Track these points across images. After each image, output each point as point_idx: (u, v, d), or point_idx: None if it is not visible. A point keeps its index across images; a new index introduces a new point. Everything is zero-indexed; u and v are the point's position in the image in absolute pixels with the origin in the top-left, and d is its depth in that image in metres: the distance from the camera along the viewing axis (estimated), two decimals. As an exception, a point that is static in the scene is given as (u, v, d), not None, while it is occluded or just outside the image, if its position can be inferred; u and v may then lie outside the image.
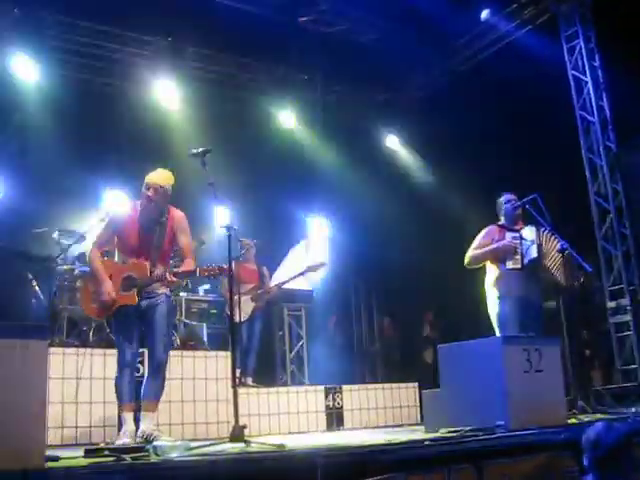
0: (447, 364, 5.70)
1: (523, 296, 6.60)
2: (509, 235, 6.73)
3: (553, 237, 6.67)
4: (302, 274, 9.47)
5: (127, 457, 3.45)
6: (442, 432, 5.24)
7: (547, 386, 5.36)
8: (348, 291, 13.39)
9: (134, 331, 5.50)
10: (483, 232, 6.92)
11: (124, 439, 5.07)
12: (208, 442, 4.72)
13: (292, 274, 9.53)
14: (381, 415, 8.60)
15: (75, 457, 3.72)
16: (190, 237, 5.76)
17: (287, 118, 11.87)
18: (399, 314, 12.76)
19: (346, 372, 11.93)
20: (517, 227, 6.86)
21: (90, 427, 6.34)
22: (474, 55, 11.36)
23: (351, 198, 11.92)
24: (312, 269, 9.51)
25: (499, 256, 6.72)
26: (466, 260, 6.89)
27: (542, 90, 9.64)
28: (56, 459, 3.41)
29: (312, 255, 11.06)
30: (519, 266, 6.61)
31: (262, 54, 11.02)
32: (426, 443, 3.88)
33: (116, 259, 6.02)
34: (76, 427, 6.28)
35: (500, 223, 6.95)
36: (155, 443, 4.05)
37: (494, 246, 6.74)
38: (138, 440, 5.03)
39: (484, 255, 6.78)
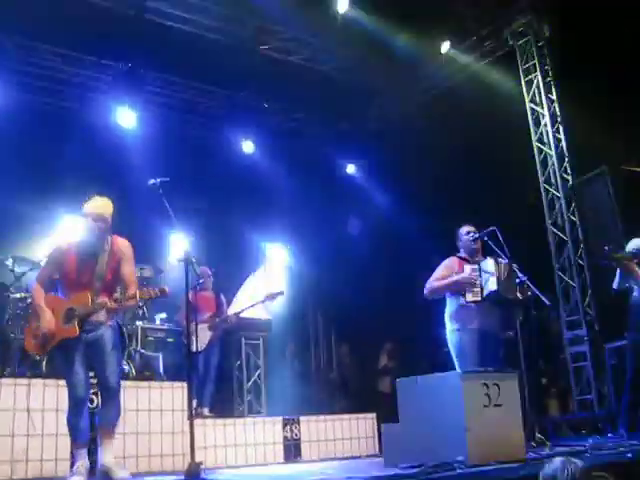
0: (406, 398, 5.65)
1: (482, 329, 6.59)
2: (468, 267, 6.73)
3: (511, 269, 6.67)
4: (261, 302, 9.39)
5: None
6: (402, 467, 5.20)
7: (506, 420, 5.34)
8: (306, 319, 13.33)
9: (80, 364, 5.35)
10: (443, 264, 6.93)
11: (77, 476, 4.94)
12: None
13: (250, 302, 9.44)
14: (339, 446, 8.52)
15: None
16: (134, 266, 5.62)
17: (246, 145, 11.82)
18: (357, 343, 12.71)
19: (304, 401, 11.85)
20: (476, 259, 6.88)
21: (41, 460, 6.17)
22: (435, 86, 11.47)
23: (310, 226, 11.91)
24: (270, 297, 9.43)
25: (458, 288, 6.72)
26: (425, 291, 6.87)
27: (501, 121, 9.77)
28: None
29: (270, 283, 11.00)
30: (478, 299, 6.60)
31: (222, 81, 10.98)
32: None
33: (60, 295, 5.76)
34: (26, 461, 6.09)
35: (460, 255, 6.96)
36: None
37: (453, 279, 6.73)
38: (100, 471, 4.93)
39: (443, 287, 6.78)
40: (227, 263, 10.19)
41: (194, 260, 5.26)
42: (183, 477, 4.46)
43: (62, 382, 6.50)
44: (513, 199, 9.84)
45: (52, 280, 5.54)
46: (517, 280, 6.65)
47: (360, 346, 12.68)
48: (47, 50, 9.88)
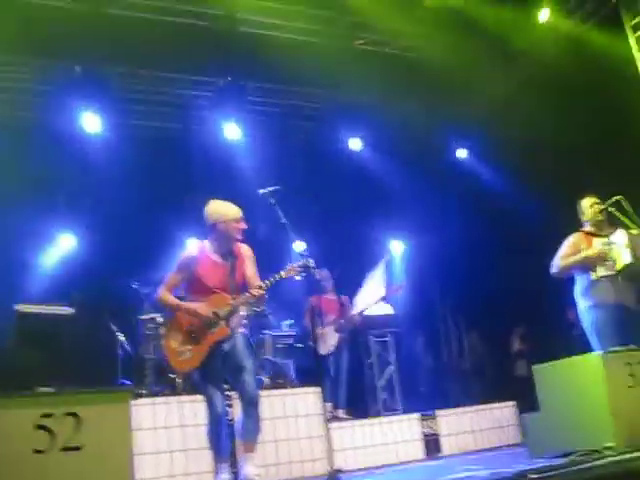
0: (544, 384, 5.45)
1: (618, 304, 6.27)
2: (597, 241, 6.45)
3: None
4: (383, 299, 9.30)
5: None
6: (548, 457, 5.00)
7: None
8: (433, 311, 13.14)
9: (220, 377, 5.41)
10: (569, 240, 6.64)
11: None
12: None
13: (373, 299, 9.37)
14: (479, 438, 8.35)
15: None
16: (256, 268, 5.61)
17: (354, 143, 11.75)
18: (487, 330, 12.43)
19: (440, 394, 11.69)
20: (604, 232, 6.57)
21: (185, 475, 6.32)
22: (535, 61, 11.02)
23: (426, 217, 11.73)
24: (392, 292, 9.35)
25: (589, 264, 6.43)
26: (553, 270, 6.61)
27: (612, 87, 9.32)
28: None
29: (390, 278, 10.89)
30: (612, 272, 6.31)
31: (321, 82, 10.94)
32: (532, 476, 3.65)
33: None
34: (171, 476, 6.26)
35: (586, 230, 6.67)
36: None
37: (582, 255, 6.45)
38: None
39: (572, 265, 6.50)
40: (347, 263, 10.15)
41: (311, 264, 5.19)
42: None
43: (198, 397, 6.72)
44: (635, 168, 9.32)
45: (179, 287, 5.57)
46: None
47: (490, 332, 12.40)
48: (147, 75, 10.10)
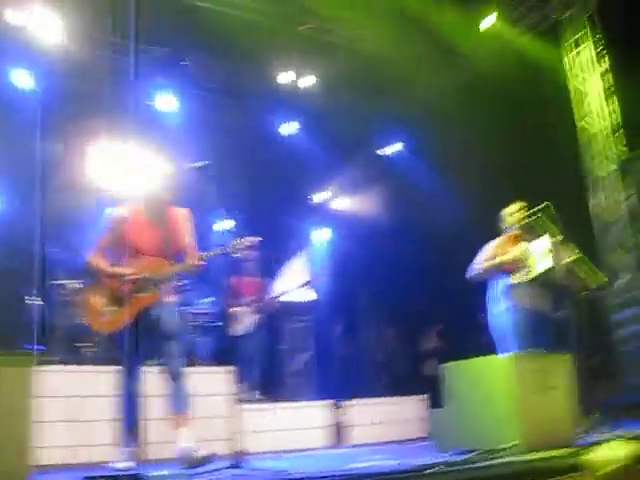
0: (455, 382, 5.53)
1: (533, 308, 6.47)
2: (519, 246, 6.59)
3: (564, 246, 6.50)
4: (302, 286, 9.32)
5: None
6: (453, 452, 5.09)
7: (559, 404, 5.20)
8: (354, 301, 13.23)
9: (142, 346, 5.07)
10: (492, 243, 6.76)
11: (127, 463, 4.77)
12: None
13: (292, 285, 9.38)
14: (389, 430, 8.43)
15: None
16: (194, 237, 5.32)
17: (289, 126, 11.70)
18: (406, 325, 12.58)
19: (352, 384, 11.78)
20: (526, 237, 6.71)
21: (90, 446, 6.21)
22: (476, 64, 11.17)
23: (355, 208, 11.78)
24: (311, 281, 9.37)
25: (509, 268, 6.56)
26: (473, 272, 6.71)
27: (548, 97, 9.52)
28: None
29: (313, 265, 10.92)
30: (530, 277, 6.46)
31: (262, 62, 10.87)
32: (435, 470, 3.71)
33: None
34: (74, 446, 6.14)
35: (510, 234, 6.80)
36: (152, 473, 3.86)
37: (498, 260, 6.59)
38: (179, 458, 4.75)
39: (493, 267, 6.62)
40: (271, 247, 10.10)
41: (255, 243, 5.15)
42: (228, 463, 4.39)
43: (110, 368, 6.60)
44: (562, 178, 9.55)
45: (108, 248, 5.28)
46: (568, 259, 6.46)
47: (406, 328, 12.56)
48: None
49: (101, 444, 6.21)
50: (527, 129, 9.71)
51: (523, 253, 6.53)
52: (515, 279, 6.53)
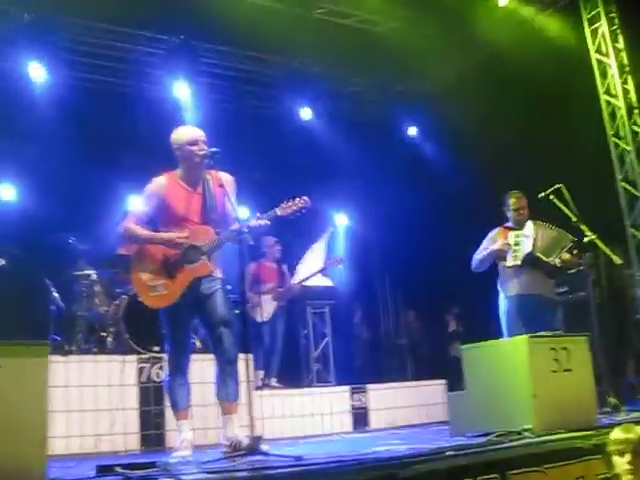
0: (471, 365, 5.48)
1: (527, 293, 6.55)
2: (511, 234, 6.68)
3: (551, 230, 6.61)
4: (321, 270, 9.31)
5: (135, 477, 3.30)
6: (468, 436, 5.07)
7: (576, 386, 5.14)
8: (373, 286, 13.22)
9: (189, 325, 5.02)
10: (488, 236, 6.91)
11: (183, 451, 4.71)
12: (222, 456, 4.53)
13: (312, 270, 9.37)
14: (408, 414, 8.45)
15: (82, 478, 3.58)
16: (236, 203, 4.99)
17: (304, 112, 11.66)
18: (424, 308, 12.55)
19: (374, 368, 11.79)
20: (519, 226, 6.78)
21: (112, 435, 6.26)
22: (493, 41, 11.06)
23: (373, 191, 11.74)
24: (330, 265, 9.36)
25: (500, 256, 6.69)
26: (473, 264, 6.89)
27: (565, 75, 9.40)
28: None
29: (333, 251, 10.88)
30: (518, 263, 6.55)
31: (277, 48, 10.81)
32: (448, 454, 3.69)
33: None
34: (97, 435, 6.18)
35: (507, 225, 6.89)
36: (166, 459, 3.88)
37: (490, 248, 6.74)
38: (226, 448, 4.60)
39: (484, 258, 6.78)
40: (292, 233, 10.09)
41: (247, 230, 4.73)
42: (243, 451, 4.39)
43: (128, 357, 6.66)
44: (581, 156, 9.44)
45: (147, 221, 5.04)
46: (569, 244, 6.51)
47: (428, 311, 12.53)
48: (100, 28, 9.84)
49: (120, 433, 6.28)
50: (549, 106, 9.59)
51: (510, 240, 6.63)
52: (505, 265, 6.65)
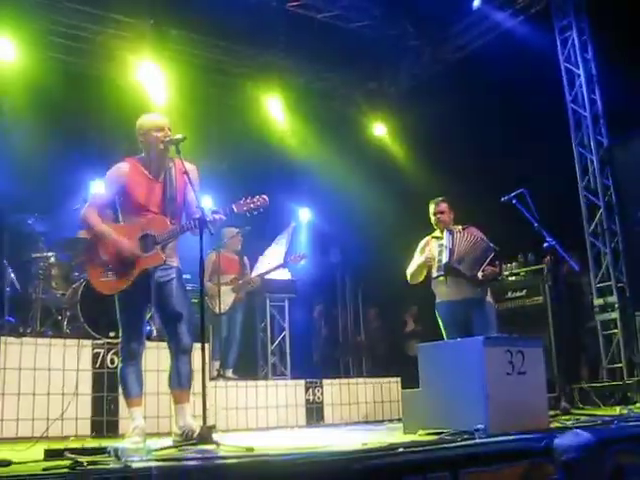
0: (427, 363, 5.54)
1: (454, 300, 6.63)
2: (435, 244, 6.79)
3: (468, 236, 6.65)
4: (283, 266, 9.30)
5: (84, 462, 3.26)
6: (420, 434, 5.11)
7: (530, 389, 5.21)
8: (334, 282, 13.24)
9: (143, 313, 5.02)
10: (418, 246, 7.00)
11: (134, 438, 4.68)
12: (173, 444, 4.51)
13: (274, 264, 9.35)
14: (362, 410, 8.47)
15: (30, 461, 3.53)
16: (198, 194, 4.94)
17: (273, 105, 11.62)
18: (385, 306, 12.61)
19: (330, 364, 11.80)
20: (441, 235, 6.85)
21: (62, 420, 6.17)
22: (465, 45, 11.15)
23: (337, 187, 11.73)
24: (293, 260, 9.34)
25: (428, 266, 6.79)
26: (408, 277, 6.96)
27: (534, 82, 9.48)
28: (7, 464, 3.22)
29: (295, 245, 10.88)
30: (441, 273, 6.65)
31: (249, 39, 10.76)
32: (400, 450, 3.71)
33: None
34: (47, 419, 6.09)
35: (433, 234, 6.96)
36: (116, 445, 3.84)
37: (416, 263, 6.85)
38: (177, 437, 4.67)
39: (414, 272, 6.87)
40: (254, 225, 10.06)
41: (210, 219, 4.74)
42: (195, 440, 4.37)
43: (84, 342, 6.58)
44: (546, 163, 9.54)
45: (108, 206, 5.09)
46: (490, 256, 6.58)
47: (387, 309, 12.58)
48: (70, 8, 9.68)
49: (72, 418, 6.22)
50: (519, 112, 9.66)
51: (433, 251, 6.73)
52: (433, 274, 6.75)
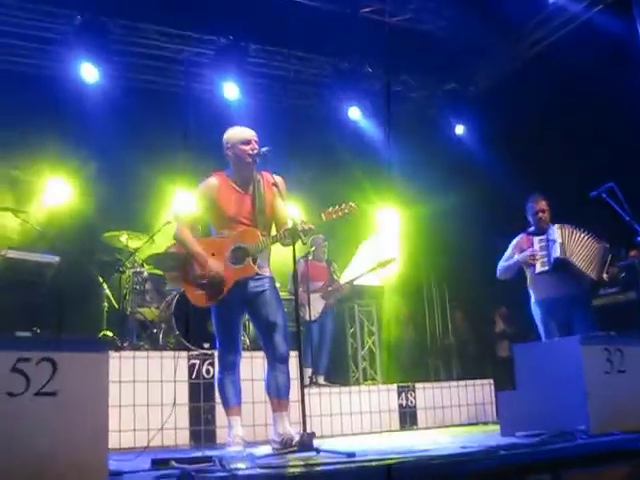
0: (523, 364, 5.46)
1: (557, 297, 6.55)
2: (536, 240, 6.70)
3: (580, 233, 6.57)
4: (372, 270, 9.32)
5: (191, 470, 3.35)
6: (519, 436, 5.05)
7: (631, 387, 5.08)
8: (420, 285, 13.17)
9: (239, 323, 5.11)
10: (512, 243, 6.94)
11: (235, 446, 4.82)
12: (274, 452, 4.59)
13: (362, 270, 9.39)
14: (455, 413, 8.41)
15: (139, 471, 3.66)
16: (286, 206, 5.05)
17: (352, 112, 11.67)
18: (471, 307, 12.47)
19: (420, 368, 11.74)
20: (545, 228, 6.77)
21: (162, 430, 6.31)
22: (541, 40, 10.94)
23: (421, 191, 11.69)
24: (382, 265, 9.35)
25: (527, 263, 6.70)
26: (498, 273, 6.96)
27: (615, 75, 9.24)
28: (119, 474, 3.35)
29: (382, 250, 10.89)
30: (546, 268, 6.56)
31: (324, 48, 10.84)
32: (501, 452, 3.68)
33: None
34: (148, 430, 6.26)
35: (529, 230, 6.90)
36: (221, 454, 3.93)
37: (515, 259, 6.80)
38: (276, 444, 4.75)
39: (510, 267, 6.86)
40: (340, 231, 10.13)
41: (301, 229, 4.78)
42: (296, 447, 4.43)
43: (181, 353, 6.74)
44: (633, 157, 9.27)
45: (199, 221, 5.28)
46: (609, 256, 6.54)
47: (475, 311, 12.44)
48: (150, 29, 9.98)
49: (171, 428, 6.37)
50: (597, 105, 9.44)
51: (535, 246, 6.66)
52: (535, 271, 6.66)
